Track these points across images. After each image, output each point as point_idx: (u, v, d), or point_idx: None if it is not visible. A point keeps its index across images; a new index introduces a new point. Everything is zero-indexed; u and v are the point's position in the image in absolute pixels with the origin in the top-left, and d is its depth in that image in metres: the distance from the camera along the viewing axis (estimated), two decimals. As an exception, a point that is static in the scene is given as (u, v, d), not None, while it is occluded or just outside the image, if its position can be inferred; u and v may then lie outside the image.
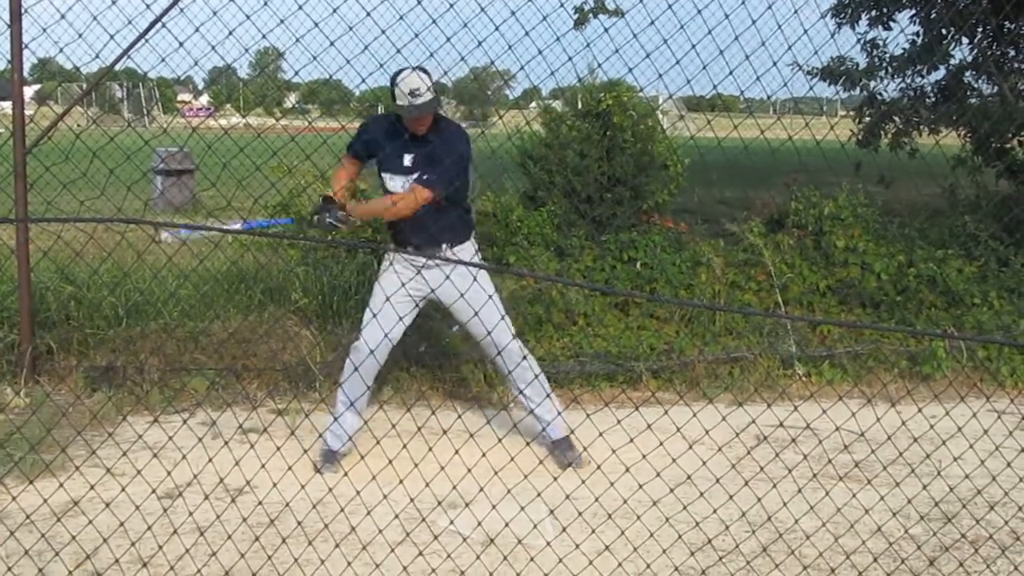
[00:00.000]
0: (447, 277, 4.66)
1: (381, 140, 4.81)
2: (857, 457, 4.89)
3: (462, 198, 5.00)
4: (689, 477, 4.17)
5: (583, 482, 4.19)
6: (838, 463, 4.99)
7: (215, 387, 6.08)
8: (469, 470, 4.00)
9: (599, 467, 4.28)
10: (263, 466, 4.03)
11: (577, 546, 3.90)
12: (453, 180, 4.77)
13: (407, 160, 4.78)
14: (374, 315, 4.76)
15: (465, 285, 4.64)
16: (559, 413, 5.09)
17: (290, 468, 4.09)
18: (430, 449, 4.09)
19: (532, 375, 5.02)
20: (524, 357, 5.01)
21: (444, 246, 4.87)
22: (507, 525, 3.88)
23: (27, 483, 4.38)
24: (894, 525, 4.26)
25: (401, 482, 4.08)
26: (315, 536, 3.96)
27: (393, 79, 4.66)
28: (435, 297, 4.99)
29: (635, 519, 4.10)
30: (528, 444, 5.11)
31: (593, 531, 3.97)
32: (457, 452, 4.10)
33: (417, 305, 5.04)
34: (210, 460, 4.00)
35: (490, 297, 4.84)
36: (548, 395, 5.08)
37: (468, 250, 5.03)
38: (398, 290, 4.82)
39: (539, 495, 4.02)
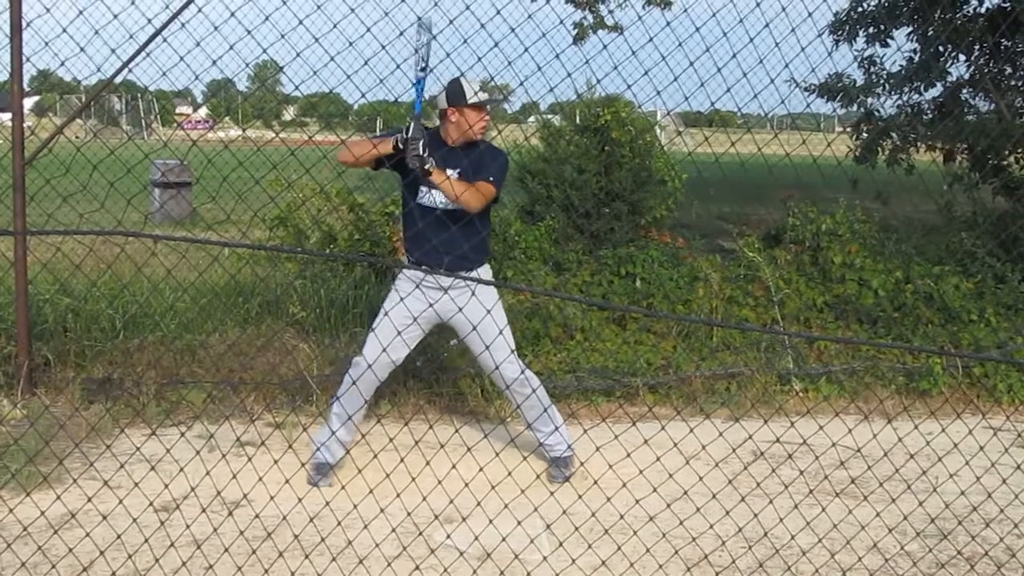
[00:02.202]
0: (467, 301, 4.69)
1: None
2: (853, 473, 4.90)
3: (488, 215, 5.09)
4: (686, 492, 4.17)
5: (580, 497, 4.19)
6: (834, 479, 4.99)
7: (212, 400, 6.08)
8: (466, 484, 4.01)
9: (596, 482, 4.29)
10: (260, 479, 4.04)
11: (573, 561, 3.90)
12: (501, 188, 4.91)
13: (451, 174, 4.79)
14: (386, 332, 4.76)
15: (479, 314, 4.65)
16: (557, 429, 5.11)
17: (287, 481, 4.09)
18: (427, 463, 4.10)
19: (534, 403, 5.01)
20: (525, 385, 5.01)
21: (465, 268, 4.86)
22: (504, 540, 3.89)
23: (24, 495, 4.38)
24: (890, 541, 4.26)
25: (398, 496, 4.08)
26: (312, 550, 3.96)
27: (455, 83, 4.78)
28: (448, 323, 5.00)
29: (631, 534, 4.10)
30: (525, 458, 5.11)
31: (589, 546, 3.97)
32: (454, 466, 4.10)
33: (424, 331, 5.03)
34: (207, 473, 4.00)
35: (501, 332, 4.90)
36: (540, 420, 5.10)
37: (486, 273, 5.09)
38: (409, 312, 4.79)
39: (536, 510, 4.03)
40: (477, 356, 5.03)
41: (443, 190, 4.70)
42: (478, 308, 4.69)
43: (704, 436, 4.23)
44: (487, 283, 4.81)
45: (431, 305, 4.79)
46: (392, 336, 4.70)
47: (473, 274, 4.88)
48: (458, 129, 4.85)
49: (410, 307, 4.76)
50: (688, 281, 7.55)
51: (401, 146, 4.62)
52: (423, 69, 4.70)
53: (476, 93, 4.80)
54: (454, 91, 4.80)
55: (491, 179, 4.78)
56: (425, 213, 4.82)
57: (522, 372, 4.97)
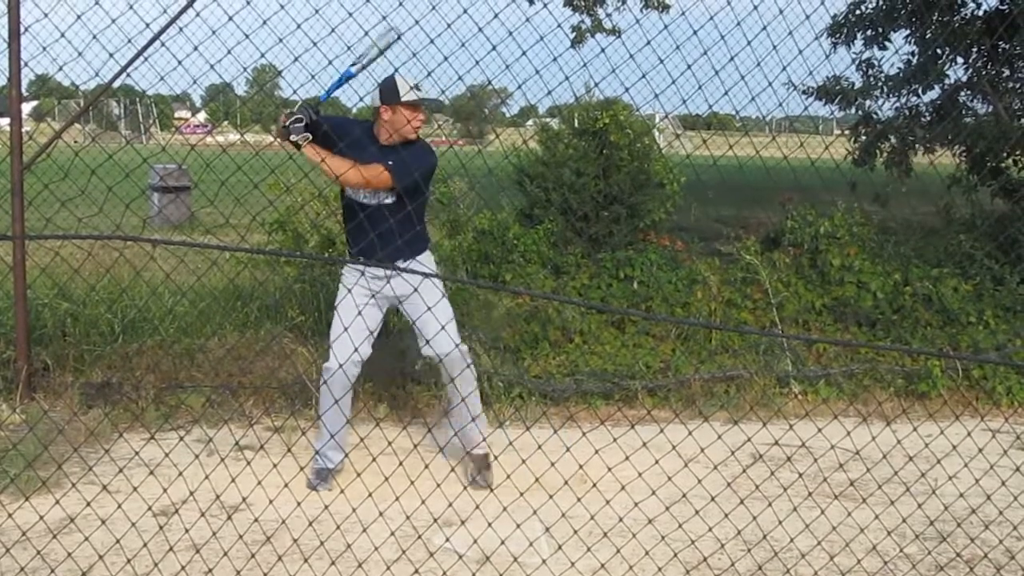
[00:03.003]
0: (414, 289, 4.68)
1: (356, 142, 4.74)
2: (852, 476, 4.90)
3: (422, 210, 5.08)
4: (684, 495, 4.17)
5: (579, 500, 4.19)
6: (833, 481, 4.99)
7: (211, 404, 6.08)
8: (465, 487, 4.01)
9: (595, 485, 4.28)
10: (259, 483, 4.03)
11: (572, 564, 3.90)
12: (411, 184, 4.74)
13: None
14: (345, 329, 4.77)
15: (424, 292, 4.63)
16: (483, 436, 5.11)
17: (286, 485, 4.09)
18: (426, 466, 4.10)
19: (472, 387, 5.01)
20: (468, 366, 5.00)
21: (403, 258, 4.89)
22: (503, 543, 3.88)
23: (23, 500, 4.38)
24: (889, 544, 4.26)
25: (397, 499, 4.08)
26: (311, 554, 3.96)
27: (390, 81, 4.75)
28: (396, 303, 5.01)
29: (630, 537, 4.10)
30: (523, 462, 5.11)
31: (588, 549, 3.97)
32: (453, 470, 4.10)
33: (382, 311, 5.04)
34: (206, 477, 4.00)
35: (445, 326, 4.86)
36: (478, 413, 5.09)
37: (427, 260, 5.09)
38: (355, 305, 4.82)
39: (535, 513, 4.02)
40: (420, 346, 5.02)
41: (321, 167, 4.63)
42: (423, 294, 4.68)
43: (703, 439, 4.23)
44: (426, 275, 4.72)
45: (375, 295, 4.82)
46: (344, 332, 4.72)
47: (412, 264, 4.88)
48: (391, 127, 4.82)
49: (357, 299, 4.82)
50: (687, 284, 7.55)
51: (285, 123, 4.61)
52: (355, 64, 4.69)
53: (411, 90, 4.75)
54: (388, 88, 4.76)
55: (390, 164, 4.70)
56: (359, 208, 4.84)
57: (468, 365, 4.95)
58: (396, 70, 4.79)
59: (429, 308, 4.60)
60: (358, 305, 4.78)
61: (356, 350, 4.80)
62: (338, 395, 4.81)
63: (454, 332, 4.92)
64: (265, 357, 6.46)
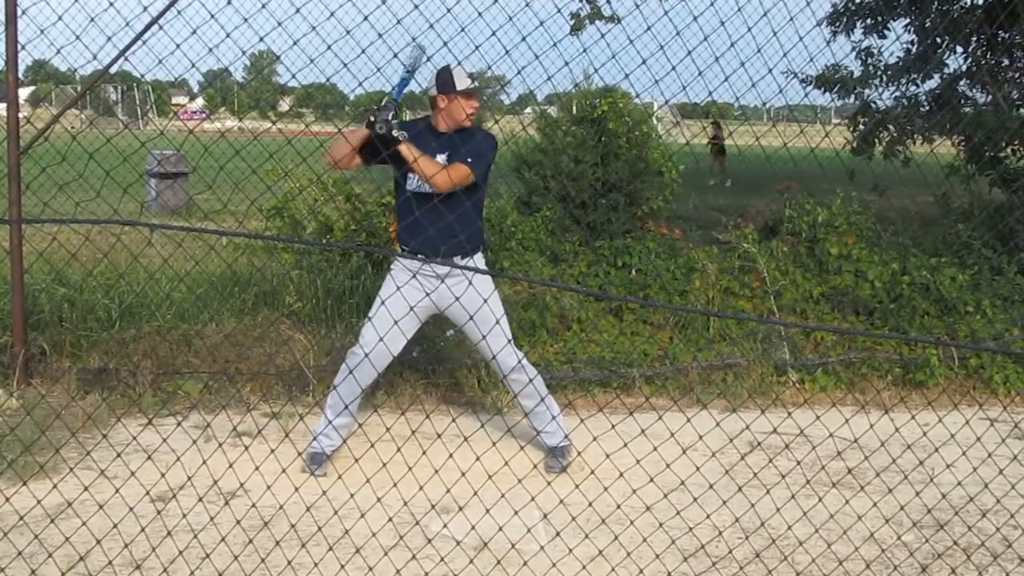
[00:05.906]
0: (463, 290, 4.71)
1: (418, 135, 4.84)
2: (850, 464, 4.90)
3: (481, 203, 5.17)
4: (683, 483, 4.17)
5: (576, 487, 4.19)
6: (831, 470, 4.99)
7: (209, 390, 6.07)
8: (463, 474, 4.00)
9: (593, 472, 4.28)
10: (256, 469, 4.03)
11: (570, 551, 3.90)
12: (485, 175, 4.95)
13: (441, 160, 4.83)
14: (395, 322, 4.79)
15: (476, 302, 4.65)
16: (554, 418, 5.11)
17: (284, 471, 4.08)
18: (424, 453, 4.09)
19: (537, 397, 5.05)
20: (530, 380, 5.03)
21: (462, 254, 4.91)
22: (500, 530, 3.89)
23: (20, 484, 4.37)
24: (887, 532, 4.27)
25: (395, 486, 4.08)
26: (308, 539, 3.96)
27: (445, 70, 4.84)
28: (445, 312, 5.02)
29: (628, 524, 4.10)
30: (522, 448, 5.10)
31: (586, 536, 3.97)
32: (451, 456, 4.10)
33: (421, 321, 5.06)
34: (203, 463, 3.99)
35: (499, 321, 4.94)
36: (557, 412, 5.14)
37: (481, 262, 5.12)
38: (407, 303, 4.81)
39: (532, 500, 4.03)
40: (475, 344, 5.07)
41: (413, 167, 4.73)
42: (475, 296, 4.68)
43: (701, 427, 4.23)
44: (483, 272, 4.81)
45: (428, 295, 4.79)
46: (390, 327, 4.69)
47: (468, 262, 4.91)
48: (448, 116, 4.90)
49: (408, 298, 4.71)
50: (685, 272, 7.55)
51: (372, 119, 4.65)
52: (409, 72, 4.79)
53: (465, 80, 4.84)
54: (443, 79, 4.85)
55: (468, 161, 4.79)
56: (419, 200, 4.81)
57: (519, 361, 4.97)
58: (458, 62, 4.90)
59: (497, 321, 4.84)
60: (408, 302, 4.71)
61: (383, 344, 4.81)
62: (355, 382, 4.84)
63: (503, 341, 5.00)
64: (262, 343, 6.45)
